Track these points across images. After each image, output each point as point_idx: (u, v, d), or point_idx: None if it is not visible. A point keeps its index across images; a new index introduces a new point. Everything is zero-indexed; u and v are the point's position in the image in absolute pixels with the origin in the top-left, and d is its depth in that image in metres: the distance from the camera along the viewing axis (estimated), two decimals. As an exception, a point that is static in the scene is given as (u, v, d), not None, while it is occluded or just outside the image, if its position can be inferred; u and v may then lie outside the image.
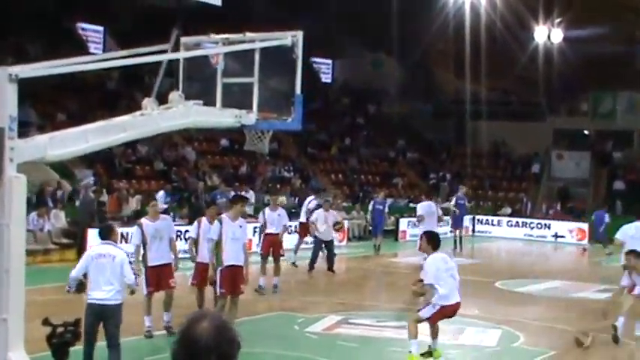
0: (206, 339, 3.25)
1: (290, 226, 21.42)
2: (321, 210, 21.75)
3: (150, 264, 13.14)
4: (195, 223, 14.70)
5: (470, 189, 40.73)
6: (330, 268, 21.43)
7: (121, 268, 10.04)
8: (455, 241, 28.11)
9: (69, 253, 21.48)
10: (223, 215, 13.58)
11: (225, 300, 13.14)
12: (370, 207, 28.00)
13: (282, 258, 18.70)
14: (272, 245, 18.08)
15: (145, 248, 13.23)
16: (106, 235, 10.55)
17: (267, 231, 18.30)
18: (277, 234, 18.21)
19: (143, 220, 13.52)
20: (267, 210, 18.70)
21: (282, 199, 29.13)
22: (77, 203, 24.05)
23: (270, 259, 18.06)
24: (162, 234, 13.25)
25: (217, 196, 24.99)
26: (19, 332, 8.13)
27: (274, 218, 18.32)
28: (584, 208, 38.40)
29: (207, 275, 13.52)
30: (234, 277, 13.15)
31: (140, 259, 13.27)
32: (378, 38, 40.66)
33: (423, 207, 22.97)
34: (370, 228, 28.98)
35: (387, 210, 28.07)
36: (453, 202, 28.65)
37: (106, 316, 10.07)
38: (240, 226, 13.47)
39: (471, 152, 42.07)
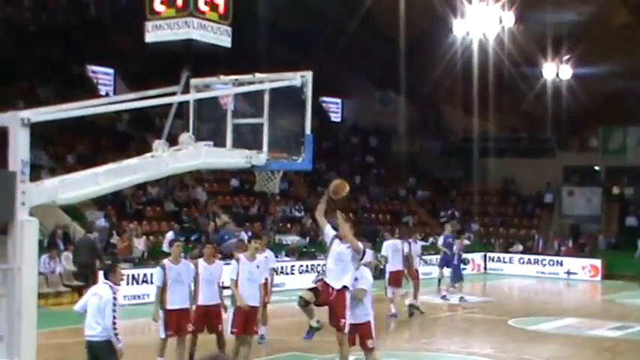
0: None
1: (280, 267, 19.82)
2: None
3: (169, 307, 12.87)
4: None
5: (480, 226, 40.67)
6: None
7: (104, 308, 10.05)
8: (439, 281, 26.97)
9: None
10: (240, 255, 13.47)
11: (238, 341, 13.04)
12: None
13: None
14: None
15: (163, 290, 12.95)
16: (107, 273, 10.60)
17: None
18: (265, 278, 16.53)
19: (166, 262, 13.18)
20: None
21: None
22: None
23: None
24: (183, 278, 13.01)
25: (225, 236, 24.92)
26: (30, 376, 8.08)
27: (261, 261, 16.00)
28: (595, 244, 38.23)
29: (205, 320, 13.25)
30: (247, 317, 13.09)
31: (159, 302, 12.99)
32: (387, 76, 40.87)
33: (389, 246, 22.67)
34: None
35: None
36: (440, 241, 27.70)
37: (95, 353, 10.16)
38: (258, 266, 13.41)
39: (481, 189, 42.00)
